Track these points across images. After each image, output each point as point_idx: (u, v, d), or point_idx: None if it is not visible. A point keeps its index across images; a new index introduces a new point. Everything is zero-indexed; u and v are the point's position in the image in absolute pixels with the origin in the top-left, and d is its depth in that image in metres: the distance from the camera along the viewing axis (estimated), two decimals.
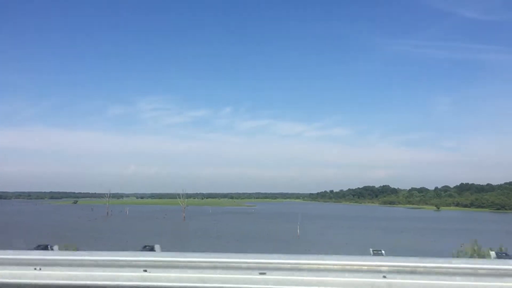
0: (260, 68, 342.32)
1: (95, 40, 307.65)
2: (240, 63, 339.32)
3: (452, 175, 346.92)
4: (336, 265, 4.22)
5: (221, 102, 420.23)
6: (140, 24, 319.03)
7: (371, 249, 4.34)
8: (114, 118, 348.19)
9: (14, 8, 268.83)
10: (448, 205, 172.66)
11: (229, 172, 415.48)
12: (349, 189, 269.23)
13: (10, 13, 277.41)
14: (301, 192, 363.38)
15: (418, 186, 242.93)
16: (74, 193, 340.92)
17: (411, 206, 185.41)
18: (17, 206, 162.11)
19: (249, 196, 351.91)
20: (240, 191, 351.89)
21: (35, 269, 4.54)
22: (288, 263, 4.32)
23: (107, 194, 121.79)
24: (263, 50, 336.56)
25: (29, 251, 4.74)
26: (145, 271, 4.41)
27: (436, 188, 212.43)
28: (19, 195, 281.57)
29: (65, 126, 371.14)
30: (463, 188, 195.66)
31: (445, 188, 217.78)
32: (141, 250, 4.64)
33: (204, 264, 4.44)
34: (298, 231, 53.82)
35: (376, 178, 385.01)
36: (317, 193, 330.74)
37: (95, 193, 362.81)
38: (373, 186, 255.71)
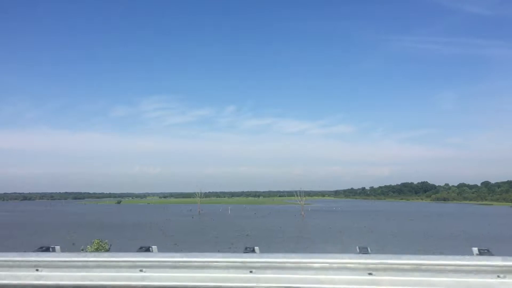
0: (263, 67, 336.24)
1: (98, 41, 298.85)
2: (243, 62, 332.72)
3: (457, 171, 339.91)
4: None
5: (224, 101, 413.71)
6: (143, 25, 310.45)
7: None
8: (118, 119, 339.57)
9: (17, 9, 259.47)
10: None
11: (232, 171, 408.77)
12: (385, 186, 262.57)
13: (13, 15, 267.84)
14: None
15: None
16: (89, 193, 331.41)
17: (469, 202, 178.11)
18: (70, 207, 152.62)
19: (263, 194, 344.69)
20: (250, 190, 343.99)
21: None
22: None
23: (198, 193, 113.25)
24: (266, 49, 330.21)
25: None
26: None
27: (487, 184, 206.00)
28: (42, 196, 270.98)
29: (68, 127, 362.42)
30: None
31: (486, 184, 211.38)
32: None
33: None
34: None
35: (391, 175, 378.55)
36: (344, 190, 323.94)
37: (110, 193, 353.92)
38: (412, 183, 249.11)
